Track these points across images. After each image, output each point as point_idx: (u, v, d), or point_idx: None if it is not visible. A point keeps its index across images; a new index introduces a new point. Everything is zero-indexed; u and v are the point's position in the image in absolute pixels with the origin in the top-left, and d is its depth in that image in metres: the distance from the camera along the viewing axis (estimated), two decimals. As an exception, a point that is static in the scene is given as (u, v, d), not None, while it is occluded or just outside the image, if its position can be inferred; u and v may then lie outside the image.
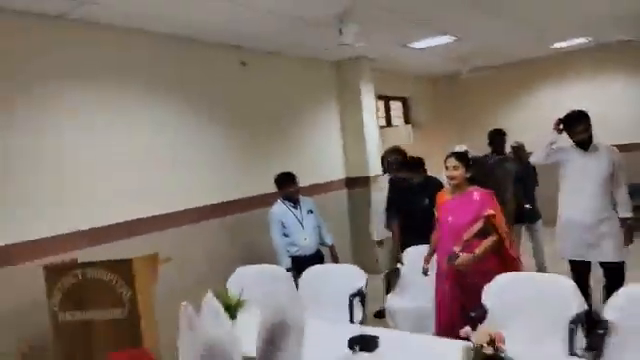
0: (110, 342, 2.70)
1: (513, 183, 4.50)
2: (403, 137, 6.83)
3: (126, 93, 3.73)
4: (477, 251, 2.85)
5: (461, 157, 3.04)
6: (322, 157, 5.77)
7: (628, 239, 3.42)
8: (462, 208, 2.99)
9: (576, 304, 2.47)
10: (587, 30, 6.01)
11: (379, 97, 6.80)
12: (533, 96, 7.84)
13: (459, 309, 2.89)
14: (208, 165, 4.33)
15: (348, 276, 3.40)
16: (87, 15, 3.36)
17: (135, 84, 3.78)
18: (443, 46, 5.71)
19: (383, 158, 4.80)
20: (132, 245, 3.54)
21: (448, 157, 3.06)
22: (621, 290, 2.44)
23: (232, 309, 2.24)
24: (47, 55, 3.27)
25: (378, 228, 4.54)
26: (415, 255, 3.59)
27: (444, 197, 3.14)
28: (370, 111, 6.10)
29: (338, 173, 6.00)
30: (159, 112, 3.96)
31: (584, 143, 3.42)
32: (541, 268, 4.65)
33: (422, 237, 3.41)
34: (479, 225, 2.90)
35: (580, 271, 3.48)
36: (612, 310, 2.36)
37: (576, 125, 3.41)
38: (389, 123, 7.54)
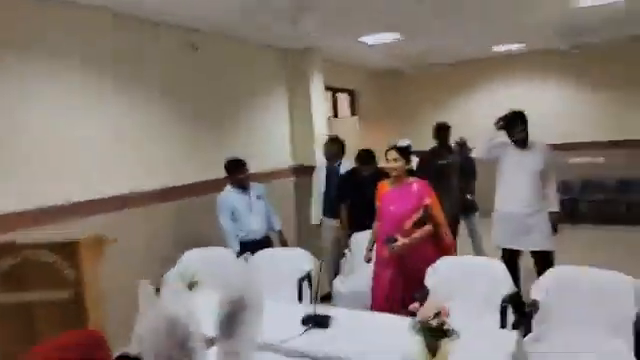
0: (54, 323, 2.62)
1: (457, 176, 4.75)
2: (350, 128, 6.98)
3: (72, 71, 3.56)
4: (414, 236, 3.00)
5: (401, 150, 3.16)
6: (270, 145, 5.79)
7: (554, 230, 3.75)
8: (402, 198, 3.12)
9: (507, 285, 2.73)
10: (520, 37, 6.45)
11: (327, 88, 6.89)
12: (474, 94, 8.30)
13: (399, 296, 3.04)
14: (155, 149, 4.22)
15: (296, 260, 3.50)
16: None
17: (79, 62, 3.60)
18: (391, 43, 5.89)
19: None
20: (75, 227, 3.41)
21: (389, 150, 3.17)
22: (547, 272, 2.71)
23: (190, 288, 2.25)
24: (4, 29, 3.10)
25: (315, 213, 4.78)
26: (362, 241, 3.74)
27: (385, 188, 3.26)
28: (319, 101, 6.18)
29: (286, 161, 6.05)
30: (106, 93, 3.80)
31: (521, 141, 3.70)
32: (479, 254, 4.95)
33: (370, 226, 3.56)
34: (419, 214, 3.05)
35: (511, 258, 3.77)
36: (539, 290, 2.63)
37: (515, 125, 3.69)
38: (336, 114, 7.67)
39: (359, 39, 5.64)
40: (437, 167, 4.70)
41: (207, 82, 4.82)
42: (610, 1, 4.61)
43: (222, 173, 4.10)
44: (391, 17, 4.82)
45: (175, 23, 4.34)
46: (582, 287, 2.55)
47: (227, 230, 3.90)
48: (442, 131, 5.01)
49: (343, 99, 8.02)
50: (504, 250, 3.85)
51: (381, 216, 3.23)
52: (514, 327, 2.53)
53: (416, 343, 1.81)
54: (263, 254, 3.59)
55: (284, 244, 4.12)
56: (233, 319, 1.81)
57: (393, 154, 3.13)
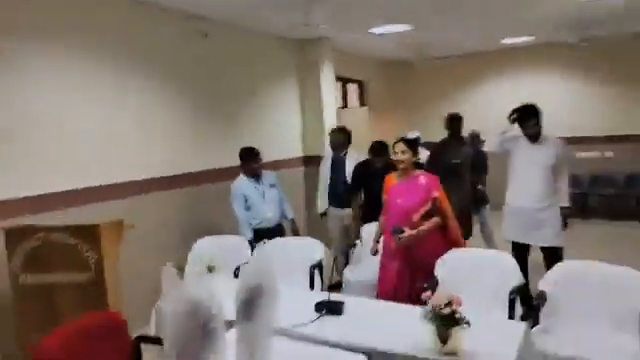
0: (74, 305, 2.71)
1: (469, 172, 4.74)
2: (359, 119, 7.01)
3: (82, 58, 3.60)
4: (421, 228, 2.99)
5: (409, 142, 3.16)
6: (281, 134, 5.84)
7: (564, 225, 3.74)
8: (410, 191, 3.12)
9: (516, 277, 2.77)
10: (529, 30, 6.43)
11: (336, 78, 6.91)
12: (482, 87, 8.30)
13: (405, 287, 3.05)
14: (167, 136, 4.29)
15: (308, 248, 3.57)
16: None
17: (89, 49, 3.64)
18: (401, 33, 5.89)
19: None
20: (90, 211, 3.50)
21: (397, 142, 3.14)
22: (556, 266, 2.75)
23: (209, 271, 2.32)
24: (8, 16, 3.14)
25: (320, 202, 4.79)
26: (372, 232, 3.78)
27: (392, 181, 3.25)
28: (329, 92, 6.22)
29: (296, 151, 6.11)
30: (119, 80, 3.86)
31: (534, 135, 3.68)
32: (490, 247, 4.97)
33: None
34: (427, 207, 3.05)
35: (520, 252, 3.75)
36: (547, 283, 2.67)
37: (528, 119, 3.65)
38: (345, 105, 7.69)
39: (369, 30, 5.65)
40: (450, 166, 4.63)
41: (218, 71, 4.87)
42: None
43: (233, 162, 4.15)
44: (402, 9, 4.83)
45: (185, 10, 4.35)
46: (590, 281, 2.60)
47: (240, 218, 3.96)
48: (454, 122, 4.92)
49: (352, 90, 8.04)
50: (514, 244, 3.86)
51: (388, 209, 3.22)
52: (522, 319, 2.58)
53: (427, 331, 1.88)
54: (275, 242, 3.66)
55: (296, 233, 4.19)
56: (251, 304, 1.87)
57: (401, 146, 3.11)
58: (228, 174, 4.38)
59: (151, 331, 2.74)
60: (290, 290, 2.61)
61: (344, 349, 1.99)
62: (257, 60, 5.44)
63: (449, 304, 1.81)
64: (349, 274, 3.81)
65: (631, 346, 2.34)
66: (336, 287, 4.04)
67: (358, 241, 3.98)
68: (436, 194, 3.07)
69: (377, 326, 2.18)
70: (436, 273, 2.91)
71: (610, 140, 7.31)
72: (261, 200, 3.99)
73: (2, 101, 3.12)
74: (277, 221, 4.09)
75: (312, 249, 3.55)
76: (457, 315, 1.81)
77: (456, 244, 3.16)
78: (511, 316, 2.55)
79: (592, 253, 2.99)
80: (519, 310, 2.66)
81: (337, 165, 4.62)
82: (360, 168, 4.34)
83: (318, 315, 2.30)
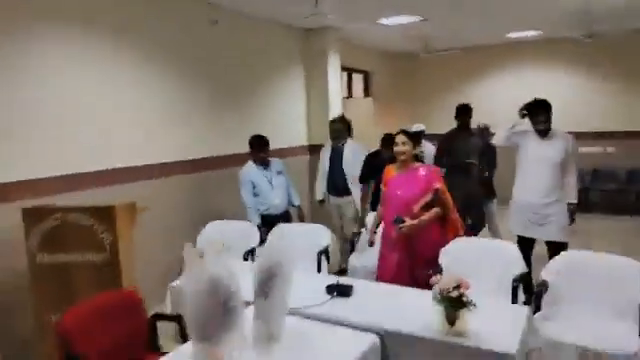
0: (90, 285, 2.79)
1: (478, 157, 4.74)
2: (364, 109, 7.06)
3: (98, 44, 3.65)
4: (422, 218, 3.02)
5: (410, 134, 3.19)
6: (286, 123, 5.90)
7: (571, 220, 3.75)
8: (409, 182, 3.14)
9: (519, 266, 2.85)
10: (536, 24, 6.47)
11: (342, 68, 6.95)
12: (485, 80, 8.35)
13: (405, 278, 3.06)
14: (177, 122, 4.35)
15: (315, 234, 3.65)
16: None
17: (104, 35, 3.70)
18: (408, 25, 5.93)
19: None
20: (104, 193, 3.58)
21: (398, 133, 3.16)
22: (558, 256, 2.83)
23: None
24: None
25: (319, 189, 4.86)
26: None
27: (391, 172, 3.24)
28: (335, 81, 6.27)
29: (301, 139, 6.17)
30: (134, 67, 3.92)
31: (543, 131, 3.67)
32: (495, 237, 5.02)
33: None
34: (428, 197, 3.08)
35: (525, 245, 3.72)
36: (549, 273, 2.76)
37: (539, 114, 3.63)
38: (350, 95, 7.74)
39: (377, 21, 5.68)
40: (460, 159, 4.67)
41: (228, 58, 4.92)
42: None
43: (240, 148, 4.21)
44: (411, 1, 4.86)
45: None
46: (591, 271, 2.68)
47: (248, 204, 4.04)
48: (463, 112, 4.91)
49: (357, 80, 8.07)
50: (519, 238, 3.85)
51: (388, 200, 3.22)
52: (524, 305, 2.66)
53: (436, 313, 1.96)
54: (283, 227, 3.74)
55: (302, 219, 4.28)
56: (267, 284, 1.96)
57: (402, 138, 3.12)
58: (235, 160, 4.45)
59: (166, 309, 2.83)
60: (299, 274, 2.70)
61: (355, 329, 2.08)
62: (265, 48, 5.48)
63: (457, 287, 1.90)
64: (355, 260, 3.89)
65: (630, 334, 2.43)
66: (341, 273, 4.13)
67: (363, 229, 4.06)
68: (438, 185, 3.09)
69: (386, 308, 2.27)
70: (440, 261, 2.97)
71: (612, 135, 7.39)
72: (269, 187, 4.07)
73: (31, 88, 3.20)
74: (284, 208, 4.17)
75: (319, 235, 3.64)
76: (464, 298, 1.89)
77: (456, 236, 3.19)
78: (514, 302, 2.64)
79: (593, 246, 3.04)
80: (521, 297, 2.75)
81: (336, 154, 4.67)
82: (370, 158, 4.40)
83: (329, 297, 2.38)
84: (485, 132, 4.75)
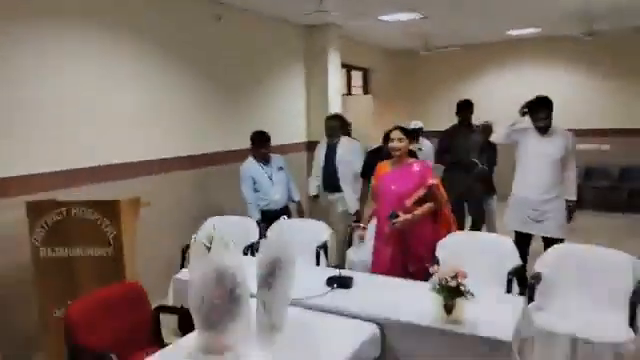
0: (93, 279, 2.83)
1: (478, 153, 4.75)
2: (363, 106, 7.12)
3: (97, 39, 3.69)
4: (415, 212, 3.06)
5: (406, 130, 3.24)
6: (286, 119, 5.96)
7: (569, 218, 3.78)
8: (404, 178, 3.14)
9: (513, 259, 2.92)
10: (536, 21, 6.53)
11: (342, 65, 7.00)
12: (484, 77, 8.42)
13: (398, 273, 3.09)
14: (177, 117, 4.40)
15: (314, 230, 3.72)
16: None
17: (103, 30, 3.73)
18: (408, 22, 5.99)
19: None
20: (105, 189, 3.63)
21: (394, 129, 3.20)
22: (550, 249, 2.91)
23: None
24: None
25: (312, 184, 4.89)
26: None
27: (385, 168, 3.26)
28: (335, 78, 6.32)
29: (300, 136, 6.23)
30: (135, 62, 3.97)
31: (543, 128, 3.68)
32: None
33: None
34: (421, 192, 3.11)
35: (522, 242, 3.76)
36: (542, 265, 2.84)
37: (539, 111, 3.65)
38: (349, 92, 7.79)
39: (379, 18, 5.73)
40: (464, 162, 4.68)
41: (231, 55, 4.97)
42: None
43: (241, 144, 4.26)
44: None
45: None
46: (583, 263, 2.76)
47: (248, 199, 4.09)
48: (465, 108, 4.90)
49: (356, 77, 8.12)
50: (517, 233, 3.87)
51: (382, 195, 3.25)
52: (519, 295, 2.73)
53: (434, 302, 2.03)
54: (282, 223, 3.80)
55: (302, 214, 4.34)
56: (271, 276, 2.02)
57: (398, 134, 3.16)
58: (236, 156, 4.50)
59: (169, 302, 2.88)
60: (300, 267, 2.76)
61: (356, 319, 2.14)
62: (266, 45, 5.54)
63: (455, 277, 1.96)
64: (352, 255, 3.95)
65: (620, 322, 2.50)
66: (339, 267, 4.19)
67: (362, 224, 4.11)
68: (432, 181, 3.13)
69: (385, 299, 2.33)
70: (437, 254, 3.04)
71: (606, 133, 7.48)
72: (269, 182, 4.12)
73: (31, 83, 3.24)
74: (284, 203, 4.23)
75: (318, 230, 3.70)
76: (462, 287, 1.96)
77: (449, 231, 3.23)
78: (509, 292, 2.71)
79: (585, 242, 3.10)
80: (516, 290, 2.83)
81: (330, 151, 4.69)
82: (372, 155, 4.45)
83: (330, 288, 2.44)
84: (488, 130, 4.74)
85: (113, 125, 3.80)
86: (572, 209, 3.76)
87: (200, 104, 4.63)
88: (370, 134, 6.68)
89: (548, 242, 3.72)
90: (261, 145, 4.10)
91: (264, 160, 4.14)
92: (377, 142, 4.56)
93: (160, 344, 2.38)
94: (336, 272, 2.56)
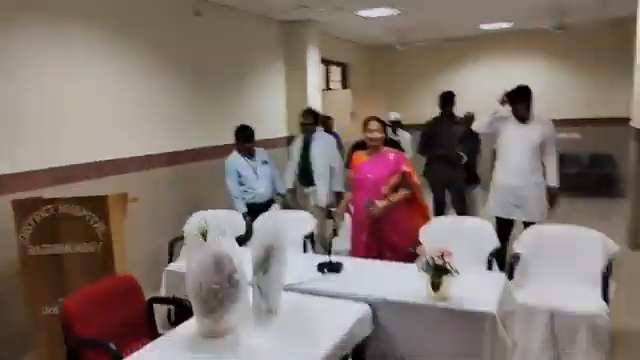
0: (82, 276, 2.84)
1: (459, 143, 4.82)
2: (342, 101, 7.21)
3: (83, 40, 3.69)
4: (391, 199, 3.17)
5: (381, 121, 3.35)
6: (267, 113, 6.01)
7: (553, 203, 3.87)
8: (379, 166, 3.26)
9: (493, 242, 3.06)
10: (508, 16, 6.73)
11: (321, 60, 7.08)
12: (461, 71, 8.61)
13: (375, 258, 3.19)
14: (161, 114, 4.41)
15: (300, 221, 3.79)
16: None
17: (88, 30, 3.73)
18: (386, 17, 6.10)
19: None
20: (91, 186, 3.62)
21: (370, 120, 3.30)
22: (526, 230, 3.05)
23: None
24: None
25: (288, 177, 4.85)
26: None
27: (361, 158, 3.37)
28: (314, 74, 6.40)
29: (281, 131, 6.29)
30: (118, 60, 3.96)
31: (523, 117, 3.76)
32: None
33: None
34: (396, 179, 3.22)
35: (504, 228, 3.88)
36: (521, 246, 2.98)
37: (519, 101, 3.76)
38: (328, 87, 7.88)
39: (357, 13, 5.83)
40: (448, 154, 4.78)
41: (211, 50, 5.00)
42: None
43: (223, 140, 4.29)
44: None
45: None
46: (559, 242, 2.91)
47: (234, 193, 4.14)
48: (447, 99, 4.95)
49: (335, 72, 8.21)
50: (498, 220, 3.94)
51: (359, 184, 3.33)
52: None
53: (421, 280, 2.14)
54: (269, 215, 3.87)
55: (287, 207, 4.40)
56: (266, 261, 2.09)
57: (375, 124, 3.26)
58: (218, 152, 4.53)
59: (161, 294, 2.92)
60: (290, 255, 2.84)
61: (348, 300, 2.23)
62: (246, 41, 5.57)
63: (442, 256, 2.07)
64: (338, 244, 4.04)
65: (594, 296, 2.66)
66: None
67: (348, 213, 4.20)
68: (405, 168, 3.23)
69: (374, 281, 2.43)
70: (420, 238, 3.14)
71: (577, 123, 7.74)
72: (254, 176, 4.17)
73: (14, 83, 3.22)
74: (269, 196, 4.28)
75: (304, 221, 3.77)
76: (448, 265, 2.07)
77: (424, 218, 3.34)
78: (489, 272, 2.85)
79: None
80: (496, 270, 2.96)
81: (306, 146, 4.69)
82: (356, 148, 4.52)
83: (321, 273, 2.53)
84: (471, 120, 4.84)
85: (97, 123, 3.80)
86: (554, 194, 3.83)
87: (183, 100, 4.65)
88: (349, 128, 6.79)
89: (528, 226, 3.73)
90: (245, 139, 4.14)
91: (249, 154, 4.19)
92: (355, 136, 4.65)
93: (154, 334, 2.42)
94: (326, 258, 2.64)
